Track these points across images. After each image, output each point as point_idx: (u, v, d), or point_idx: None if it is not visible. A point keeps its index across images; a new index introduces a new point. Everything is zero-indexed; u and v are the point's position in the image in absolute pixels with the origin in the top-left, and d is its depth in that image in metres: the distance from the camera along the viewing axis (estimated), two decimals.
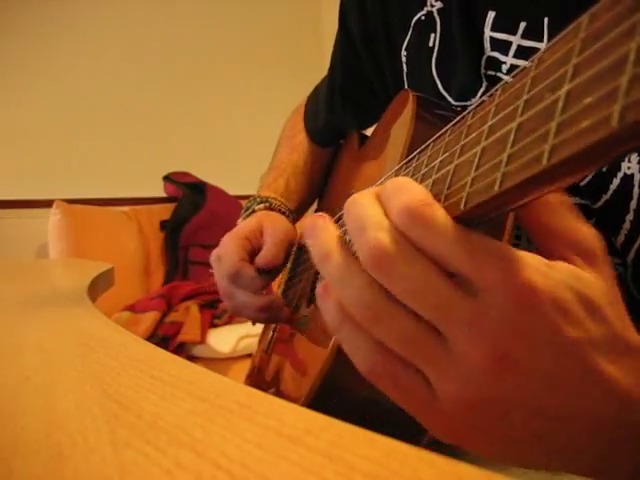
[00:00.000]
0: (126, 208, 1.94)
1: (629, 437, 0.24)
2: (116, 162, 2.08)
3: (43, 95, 1.97)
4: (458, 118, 0.26)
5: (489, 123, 0.22)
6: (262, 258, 0.55)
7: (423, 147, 0.30)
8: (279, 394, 0.52)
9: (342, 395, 0.40)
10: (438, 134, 0.29)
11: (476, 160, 0.22)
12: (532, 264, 0.22)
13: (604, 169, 0.37)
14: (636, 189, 0.36)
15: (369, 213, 0.24)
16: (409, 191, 0.23)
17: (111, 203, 1.96)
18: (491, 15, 0.42)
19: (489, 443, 0.25)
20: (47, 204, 1.76)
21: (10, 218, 1.87)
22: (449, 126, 0.27)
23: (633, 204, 0.36)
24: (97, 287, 0.65)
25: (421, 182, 0.26)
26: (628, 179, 0.36)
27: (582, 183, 0.39)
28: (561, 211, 0.24)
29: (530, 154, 0.18)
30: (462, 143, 0.24)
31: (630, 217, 0.36)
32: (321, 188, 0.76)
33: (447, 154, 0.25)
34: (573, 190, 0.40)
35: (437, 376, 0.24)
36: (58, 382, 0.24)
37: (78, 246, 1.70)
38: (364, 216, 0.24)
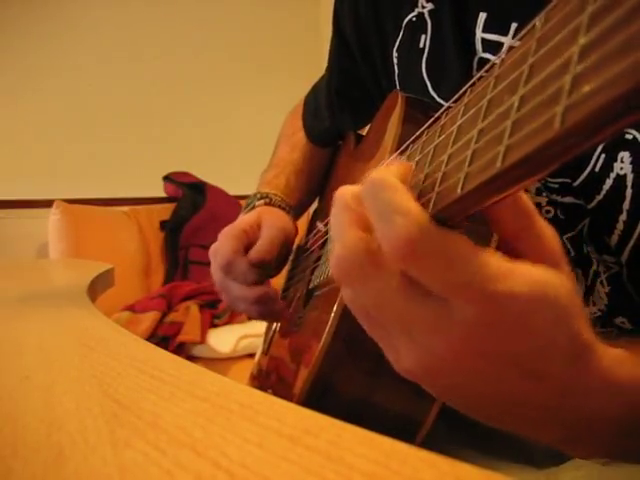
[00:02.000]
0: (126, 208, 1.94)
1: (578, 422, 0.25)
2: (116, 162, 2.08)
3: (43, 95, 1.97)
4: (432, 119, 0.26)
5: (458, 123, 0.22)
6: (254, 253, 0.55)
7: (402, 148, 0.31)
8: (277, 394, 0.52)
9: (333, 394, 0.40)
10: (415, 135, 0.28)
11: (445, 160, 0.22)
12: (498, 277, 0.20)
13: (597, 169, 0.37)
14: (629, 190, 0.35)
15: (340, 221, 0.24)
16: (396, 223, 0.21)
17: (111, 203, 1.96)
18: (482, 16, 0.42)
19: (454, 398, 0.26)
20: (47, 204, 1.76)
21: (10, 218, 1.87)
22: (424, 127, 0.27)
23: (626, 205, 0.36)
24: (97, 287, 0.65)
25: None
26: (621, 180, 0.36)
27: (575, 183, 0.39)
28: (525, 212, 0.23)
29: (488, 155, 0.18)
30: (435, 143, 0.24)
31: (623, 218, 0.36)
32: (321, 188, 0.76)
33: (422, 155, 0.25)
34: (567, 189, 0.40)
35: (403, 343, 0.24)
36: (58, 382, 0.24)
37: (78, 246, 1.70)
38: (334, 224, 0.25)
